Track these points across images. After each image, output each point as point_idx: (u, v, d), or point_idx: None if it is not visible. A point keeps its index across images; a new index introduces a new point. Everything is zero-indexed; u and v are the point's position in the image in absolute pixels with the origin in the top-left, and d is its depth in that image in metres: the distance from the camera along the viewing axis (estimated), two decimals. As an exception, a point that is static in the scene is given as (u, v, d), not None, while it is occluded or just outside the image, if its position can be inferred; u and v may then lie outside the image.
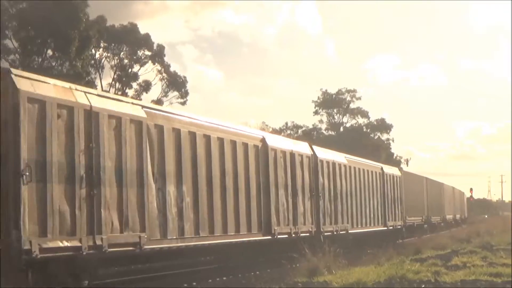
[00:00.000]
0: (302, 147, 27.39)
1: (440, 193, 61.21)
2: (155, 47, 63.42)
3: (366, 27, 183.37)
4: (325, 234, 27.37)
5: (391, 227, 38.33)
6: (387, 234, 37.12)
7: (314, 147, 28.55)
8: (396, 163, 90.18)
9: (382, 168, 38.27)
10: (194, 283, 18.87)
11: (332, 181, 29.09)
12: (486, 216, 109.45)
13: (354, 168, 32.51)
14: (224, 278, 20.52)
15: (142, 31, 62.54)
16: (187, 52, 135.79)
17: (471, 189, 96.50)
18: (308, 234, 26.12)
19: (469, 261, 18.01)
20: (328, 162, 28.97)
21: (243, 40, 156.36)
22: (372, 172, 35.52)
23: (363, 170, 33.97)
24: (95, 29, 53.27)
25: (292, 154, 25.70)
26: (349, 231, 30.71)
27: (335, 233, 28.67)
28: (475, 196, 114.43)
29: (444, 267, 16.75)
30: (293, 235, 24.85)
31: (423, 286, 11.98)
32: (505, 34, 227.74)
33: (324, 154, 29.39)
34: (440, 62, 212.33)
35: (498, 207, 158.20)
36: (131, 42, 61.44)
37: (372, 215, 34.65)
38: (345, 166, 30.98)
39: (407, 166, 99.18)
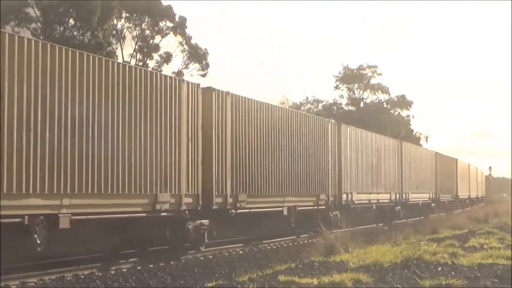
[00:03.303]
0: None
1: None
2: (177, 19, 63.35)
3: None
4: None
5: None
6: None
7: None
8: (415, 139, 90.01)
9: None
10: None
11: None
12: (504, 195, 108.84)
13: None
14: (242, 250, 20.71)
15: (165, 2, 62.54)
16: (208, 25, 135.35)
17: (489, 168, 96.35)
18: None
19: (486, 243, 18.02)
20: None
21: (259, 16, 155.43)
22: None
23: None
24: (117, -1, 53.26)
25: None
26: None
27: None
28: (495, 175, 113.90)
29: (461, 248, 16.79)
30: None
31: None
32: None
33: None
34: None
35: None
36: (153, 13, 61.36)
37: None
38: None
39: (427, 142, 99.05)
